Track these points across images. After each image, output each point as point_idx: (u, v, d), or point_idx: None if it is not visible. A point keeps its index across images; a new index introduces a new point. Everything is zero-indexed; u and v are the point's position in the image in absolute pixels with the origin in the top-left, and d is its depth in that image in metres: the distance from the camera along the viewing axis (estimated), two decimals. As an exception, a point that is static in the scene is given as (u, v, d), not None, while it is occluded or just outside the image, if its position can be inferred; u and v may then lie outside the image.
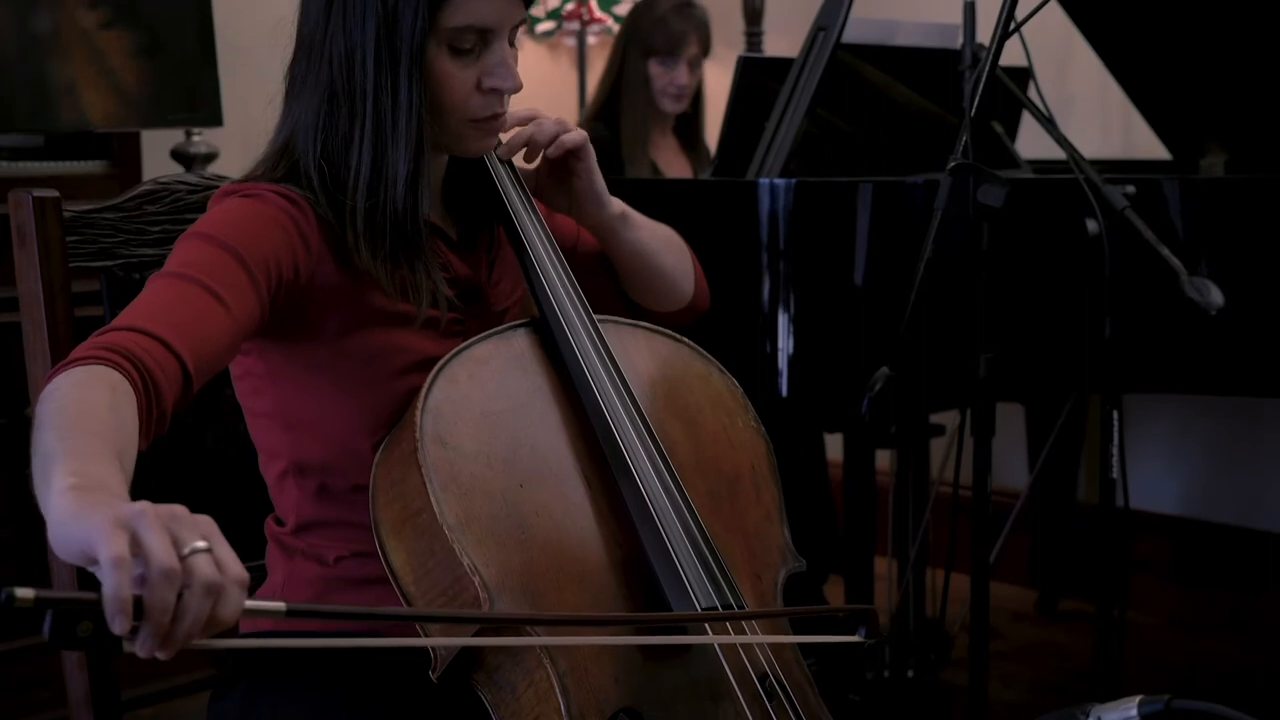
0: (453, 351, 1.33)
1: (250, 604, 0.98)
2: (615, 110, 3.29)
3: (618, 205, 1.51)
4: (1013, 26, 1.86)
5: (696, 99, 3.40)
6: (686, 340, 1.47)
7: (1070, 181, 2.03)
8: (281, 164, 1.38)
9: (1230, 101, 2.86)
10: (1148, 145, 3.22)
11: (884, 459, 3.08)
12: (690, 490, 1.33)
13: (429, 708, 1.32)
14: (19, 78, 2.52)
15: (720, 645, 1.28)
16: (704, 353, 1.47)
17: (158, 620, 0.92)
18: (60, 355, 1.50)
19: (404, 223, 1.35)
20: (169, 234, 1.58)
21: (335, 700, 1.36)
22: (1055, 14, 2.98)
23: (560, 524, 1.29)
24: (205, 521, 0.97)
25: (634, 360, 1.41)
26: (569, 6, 4.02)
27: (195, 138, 2.92)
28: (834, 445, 3.34)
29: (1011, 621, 3.38)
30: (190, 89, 2.73)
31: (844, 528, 2.94)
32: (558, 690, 1.21)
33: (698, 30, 3.30)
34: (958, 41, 2.52)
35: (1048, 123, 2.07)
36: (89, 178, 2.74)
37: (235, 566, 0.96)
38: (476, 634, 1.23)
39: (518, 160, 1.49)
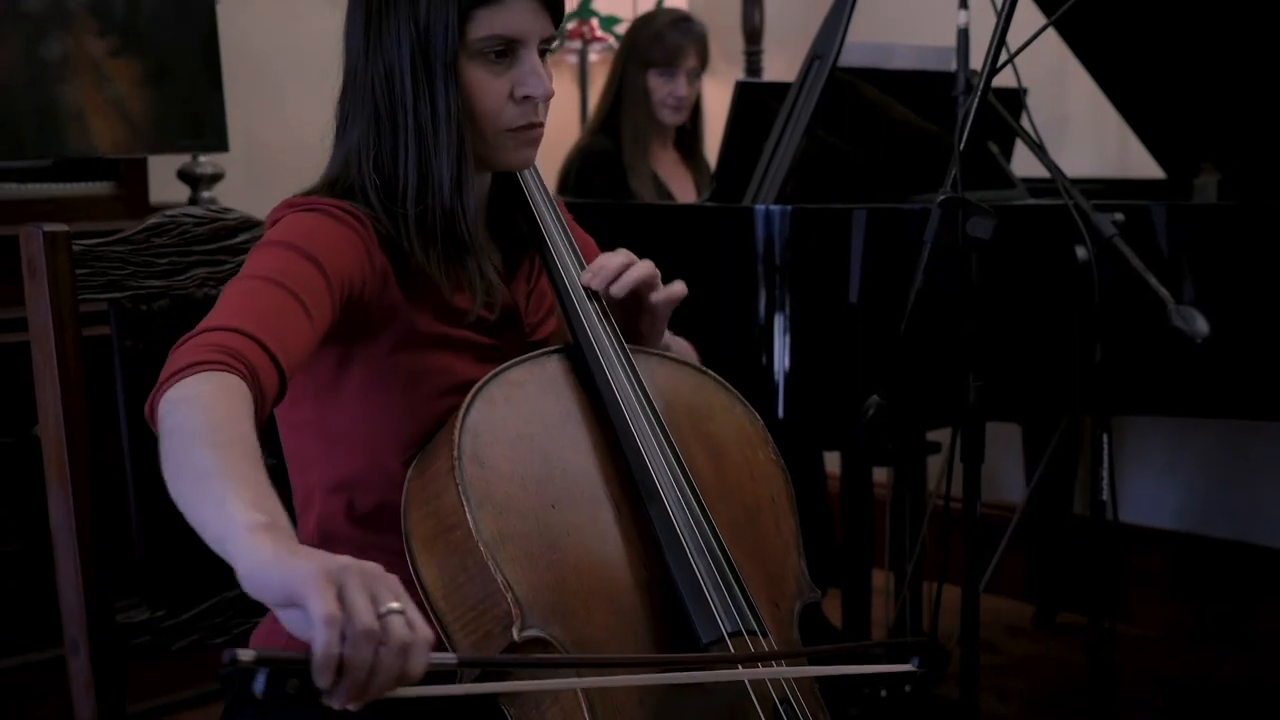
0: (490, 374, 1.37)
1: (433, 657, 1.04)
2: (616, 122, 3.36)
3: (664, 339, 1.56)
4: (1002, 60, 1.89)
5: (695, 112, 3.47)
6: (712, 374, 1.51)
7: (1061, 208, 2.06)
8: (339, 185, 1.43)
9: (1223, 122, 2.89)
10: (1143, 164, 3.25)
11: (881, 473, 3.12)
12: (714, 517, 1.37)
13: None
14: (29, 104, 2.56)
15: (748, 678, 1.30)
16: (729, 386, 1.51)
17: (356, 677, 0.98)
18: (70, 384, 1.53)
19: (453, 223, 1.40)
20: (176, 265, 1.62)
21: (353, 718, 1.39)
22: (1051, 33, 3.01)
23: (590, 545, 1.33)
24: (395, 581, 1.03)
25: (663, 390, 1.45)
26: (571, 25, 4.06)
27: (201, 159, 2.96)
28: (833, 458, 3.37)
29: (1008, 635, 3.40)
30: (196, 115, 2.78)
31: (842, 541, 2.98)
32: (584, 710, 1.24)
33: (696, 43, 3.38)
34: (953, 64, 2.56)
35: (1038, 149, 2.10)
36: (96, 199, 2.78)
37: (424, 626, 1.03)
38: (509, 667, 1.26)
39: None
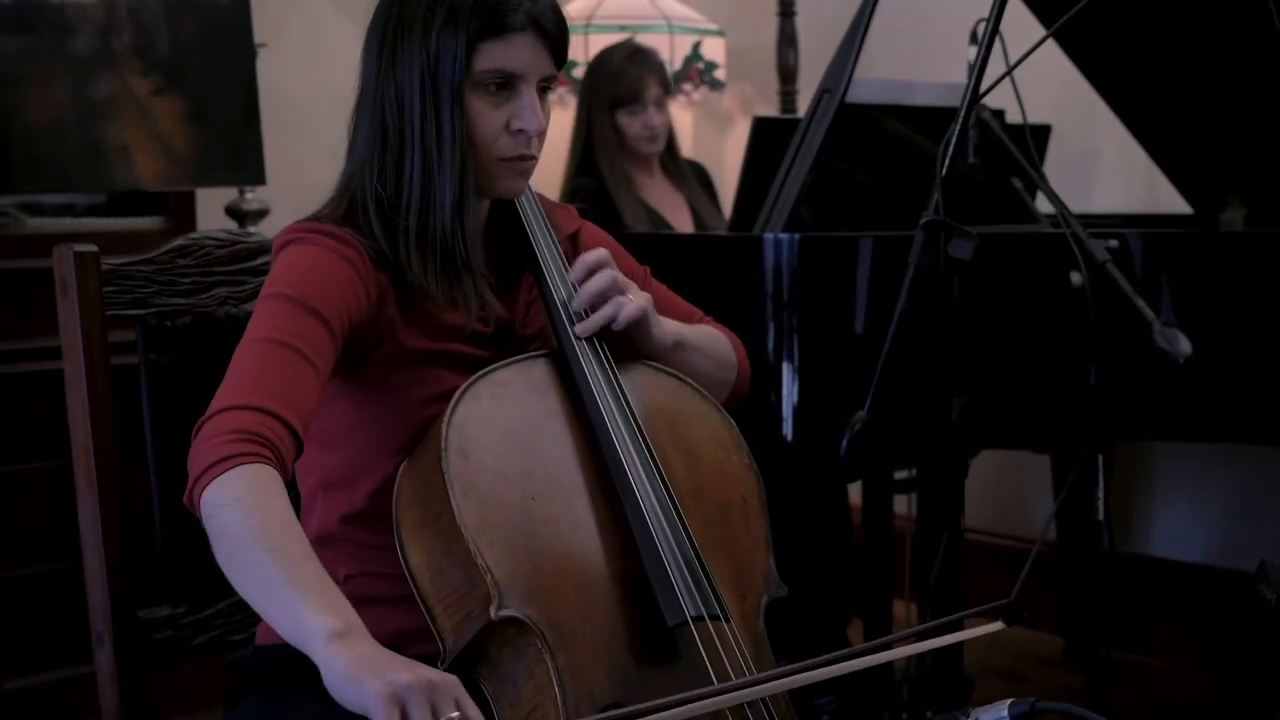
0: (479, 374, 1.46)
1: None
2: (594, 163, 3.37)
3: (671, 336, 1.61)
4: (992, 82, 1.95)
5: (669, 134, 3.46)
6: (690, 381, 1.60)
7: (1060, 236, 2.12)
8: (343, 202, 1.52)
9: (1248, 156, 2.93)
10: (1171, 200, 3.28)
11: (901, 503, 3.16)
12: (685, 513, 1.45)
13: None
14: (77, 140, 2.71)
15: (711, 662, 1.36)
16: (705, 393, 1.60)
17: None
18: (98, 392, 1.63)
19: (451, 241, 1.50)
20: (199, 285, 1.72)
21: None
22: (1077, 73, 3.07)
23: (565, 535, 1.42)
24: (454, 684, 1.18)
25: (642, 395, 1.54)
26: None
27: (248, 195, 3.08)
28: (855, 488, 3.41)
29: (1037, 666, 3.42)
30: (235, 150, 2.91)
31: (863, 571, 3.02)
32: (555, 683, 1.33)
33: (655, 72, 3.40)
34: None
35: (1041, 179, 2.17)
36: (148, 233, 2.91)
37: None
38: (482, 635, 1.34)
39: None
